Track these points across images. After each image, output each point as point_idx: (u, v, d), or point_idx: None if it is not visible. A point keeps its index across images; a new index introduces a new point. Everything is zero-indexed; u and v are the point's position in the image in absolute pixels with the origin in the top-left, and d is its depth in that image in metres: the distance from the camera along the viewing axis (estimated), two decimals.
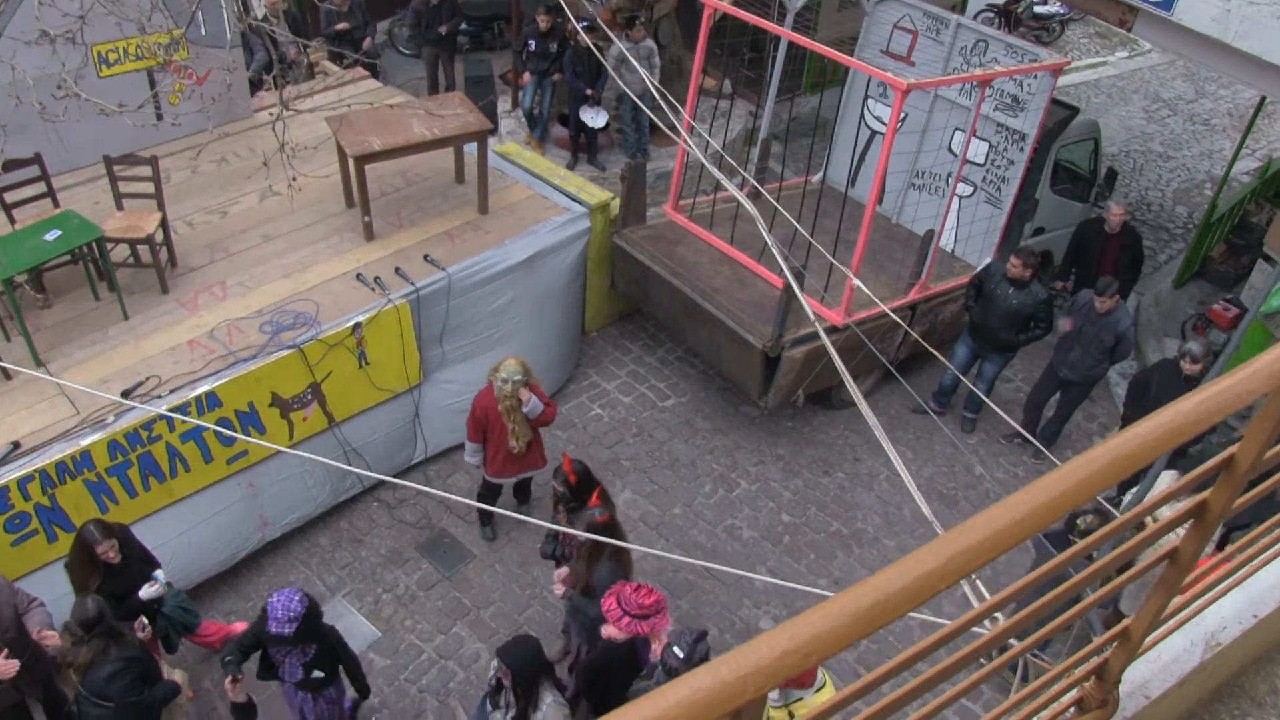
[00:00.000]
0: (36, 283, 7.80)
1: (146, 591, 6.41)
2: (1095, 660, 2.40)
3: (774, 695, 5.69)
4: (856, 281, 7.90)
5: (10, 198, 8.12)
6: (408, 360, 8.50)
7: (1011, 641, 3.10)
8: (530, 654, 5.63)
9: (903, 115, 8.80)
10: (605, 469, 9.38)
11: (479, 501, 7.99)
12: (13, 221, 8.07)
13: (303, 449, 7.97)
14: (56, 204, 8.35)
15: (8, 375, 7.24)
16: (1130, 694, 2.66)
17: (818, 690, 5.77)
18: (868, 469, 9.69)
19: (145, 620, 6.14)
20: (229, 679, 5.97)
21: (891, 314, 8.35)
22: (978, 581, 5.60)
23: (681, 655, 5.48)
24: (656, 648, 6.16)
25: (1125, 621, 2.32)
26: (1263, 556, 2.81)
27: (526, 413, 7.64)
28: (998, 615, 4.01)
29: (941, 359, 8.18)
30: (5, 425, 6.91)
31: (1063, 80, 16.07)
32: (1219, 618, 2.91)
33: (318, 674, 6.22)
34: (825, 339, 6.88)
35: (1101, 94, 17.76)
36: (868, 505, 9.33)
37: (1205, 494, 1.99)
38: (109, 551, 6.16)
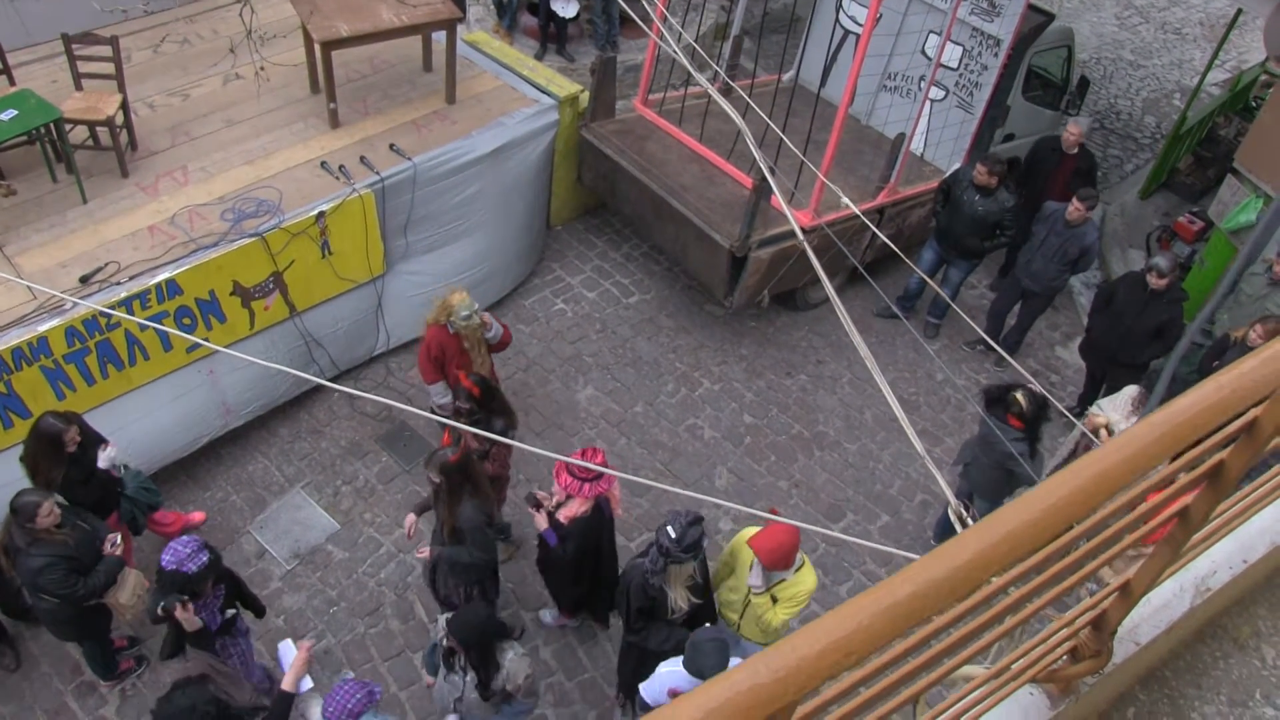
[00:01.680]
0: None
1: (104, 458, 6.41)
2: (1093, 611, 2.42)
3: (756, 581, 5.84)
4: (827, 182, 7.88)
5: None
6: (371, 251, 8.43)
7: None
8: (479, 625, 5.48)
9: (878, 16, 8.68)
10: (567, 364, 9.42)
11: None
12: None
13: (264, 338, 7.98)
14: (13, 82, 8.12)
15: None
16: (1119, 640, 2.68)
17: (797, 569, 5.92)
18: (830, 372, 9.76)
19: (117, 538, 6.09)
20: (177, 607, 5.60)
21: (861, 215, 8.35)
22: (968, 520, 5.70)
23: (674, 535, 5.59)
24: (615, 501, 6.45)
25: (1127, 575, 2.33)
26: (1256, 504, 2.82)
27: (489, 338, 7.55)
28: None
29: (909, 263, 8.20)
30: None
31: None
32: (1210, 563, 2.93)
33: (230, 613, 6.00)
34: (803, 239, 6.85)
35: (1073, 0, 17.61)
36: (829, 408, 9.42)
37: (1223, 454, 1.97)
38: (74, 439, 6.13)
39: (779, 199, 8.09)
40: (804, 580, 5.95)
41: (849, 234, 9.22)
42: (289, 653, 5.81)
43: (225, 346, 7.10)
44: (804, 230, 8.80)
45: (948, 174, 9.72)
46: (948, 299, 9.20)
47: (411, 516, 6.69)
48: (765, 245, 8.89)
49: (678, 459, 8.69)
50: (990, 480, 7.53)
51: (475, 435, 6.59)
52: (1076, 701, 2.54)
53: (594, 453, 6.15)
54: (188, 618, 5.53)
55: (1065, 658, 2.47)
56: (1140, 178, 12.73)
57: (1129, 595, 2.30)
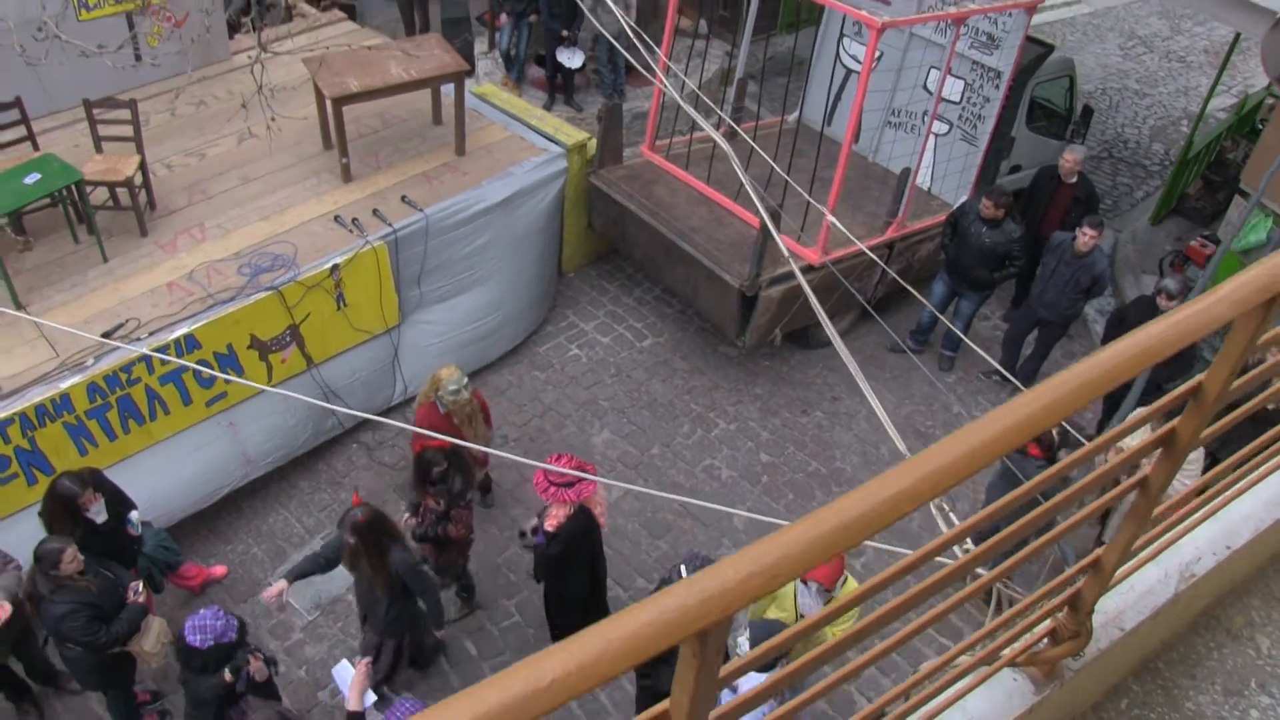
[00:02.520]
0: (17, 225, 7.82)
1: (131, 523, 6.55)
2: (1068, 591, 2.45)
3: (810, 604, 5.91)
4: (832, 219, 7.98)
5: None
6: (385, 301, 8.56)
7: (981, 571, 3.21)
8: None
9: (878, 54, 8.83)
10: (583, 409, 9.50)
11: None
12: None
13: (282, 390, 8.06)
14: (36, 147, 8.38)
15: None
16: (1104, 625, 2.71)
17: (843, 584, 6.00)
18: (846, 408, 9.80)
19: (139, 585, 6.17)
20: (249, 661, 5.71)
21: (868, 251, 8.45)
22: (950, 513, 5.75)
23: (688, 575, 5.62)
24: (600, 511, 6.51)
25: (1096, 552, 2.37)
26: (1236, 487, 2.86)
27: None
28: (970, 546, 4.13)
29: (919, 297, 8.27)
30: None
31: (1038, 19, 16.05)
32: (1193, 548, 2.95)
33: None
34: (801, 278, 6.96)
35: (1077, 32, 17.76)
36: (846, 444, 9.46)
37: (1174, 422, 2.04)
38: (90, 501, 6.21)
39: (786, 237, 8.22)
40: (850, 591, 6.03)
41: (859, 270, 9.31)
42: (346, 673, 5.90)
43: (257, 391, 7.24)
44: (812, 267, 8.95)
45: (954, 207, 9.81)
46: (959, 332, 9.25)
47: (281, 584, 6.38)
48: (775, 284, 8.98)
49: (695, 500, 8.72)
50: (1014, 515, 7.50)
51: (435, 494, 6.68)
52: (1064, 688, 2.57)
53: (568, 459, 6.27)
54: (259, 667, 5.69)
55: (1045, 640, 2.52)
56: (1150, 204, 12.80)
57: (1101, 571, 2.34)
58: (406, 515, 7.01)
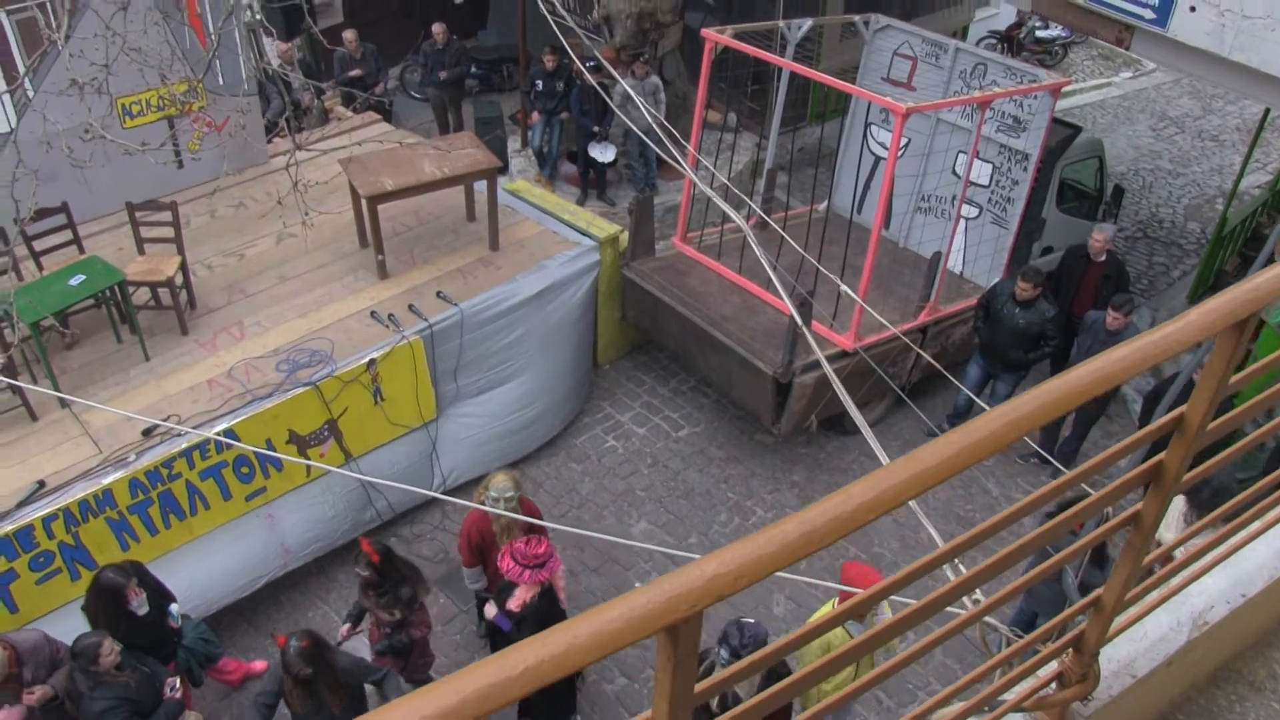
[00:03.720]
0: (63, 324, 8.00)
1: (171, 617, 6.57)
2: (1072, 632, 2.44)
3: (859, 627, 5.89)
4: (863, 305, 7.99)
5: (39, 245, 8.41)
6: (422, 396, 8.63)
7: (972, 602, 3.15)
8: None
9: (905, 140, 8.91)
10: (620, 500, 9.47)
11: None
12: (40, 268, 8.36)
13: (321, 484, 8.13)
14: (81, 250, 8.62)
15: (34, 416, 7.49)
16: (1116, 673, 2.69)
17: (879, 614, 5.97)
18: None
19: (176, 682, 6.22)
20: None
21: (901, 335, 8.45)
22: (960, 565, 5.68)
23: (740, 639, 5.65)
24: (514, 601, 6.43)
25: (1096, 592, 2.37)
26: (1246, 531, 2.81)
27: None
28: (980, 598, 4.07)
29: (954, 380, 8.24)
30: (31, 465, 7.12)
31: (1067, 102, 16.17)
32: (1205, 597, 2.92)
33: None
34: (825, 364, 6.92)
35: (1107, 114, 17.86)
36: (884, 529, 9.36)
37: (1160, 456, 2.05)
38: (134, 593, 6.22)
39: (819, 324, 8.24)
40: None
41: (893, 355, 9.30)
42: None
43: (285, 491, 7.27)
44: (846, 354, 8.96)
45: (987, 289, 9.81)
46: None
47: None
48: (809, 370, 8.97)
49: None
50: (1057, 594, 7.37)
51: (384, 606, 6.58)
52: None
53: (538, 541, 6.29)
54: None
55: (1054, 685, 2.49)
56: (1187, 283, 12.74)
57: (1102, 611, 2.33)
58: (346, 625, 6.96)
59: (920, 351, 8.83)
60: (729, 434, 10.32)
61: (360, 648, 6.90)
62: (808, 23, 10.19)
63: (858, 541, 9.15)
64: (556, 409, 9.87)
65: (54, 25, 8.41)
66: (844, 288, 8.06)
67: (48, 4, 8.53)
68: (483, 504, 6.95)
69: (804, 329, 7.57)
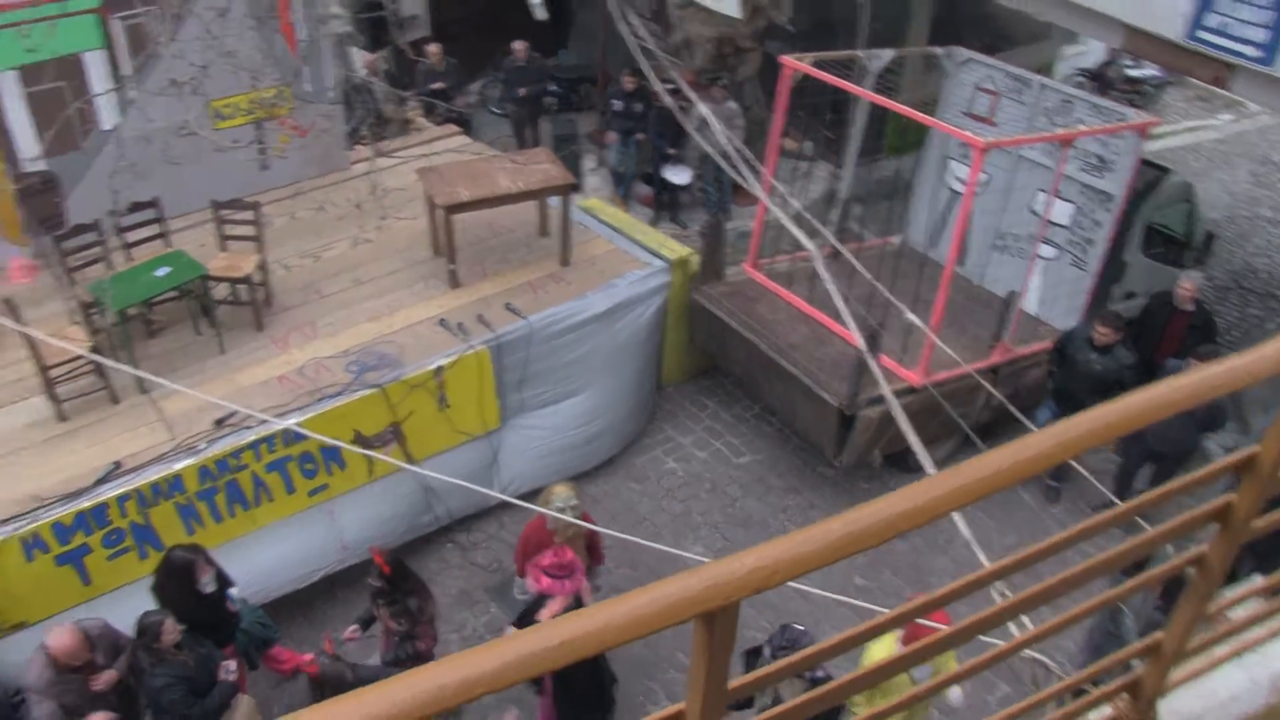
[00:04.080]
0: (145, 317, 8.36)
1: (231, 600, 6.74)
2: (1128, 675, 2.37)
3: (925, 672, 5.85)
4: (935, 340, 7.93)
5: (130, 237, 8.67)
6: (486, 405, 8.73)
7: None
8: None
9: (984, 175, 8.84)
10: (677, 522, 9.47)
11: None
12: (130, 258, 8.61)
13: (382, 485, 8.27)
14: (168, 244, 8.84)
15: (115, 399, 7.79)
16: None
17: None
18: (944, 534, 9.55)
19: (231, 665, 6.36)
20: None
21: (974, 373, 8.34)
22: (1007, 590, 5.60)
23: (789, 637, 5.80)
24: (546, 612, 6.43)
25: (1156, 635, 2.29)
26: None
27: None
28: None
29: (1026, 422, 8.08)
30: (110, 446, 7.42)
31: (1159, 144, 15.76)
32: None
33: None
34: (891, 399, 6.88)
35: (1202, 158, 17.33)
36: (942, 570, 9.25)
37: (1229, 496, 1.98)
38: (204, 570, 6.42)
39: (887, 358, 8.18)
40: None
41: (962, 394, 9.19)
42: None
43: (347, 489, 7.39)
44: (913, 389, 8.88)
45: (1063, 333, 9.67)
46: (1072, 463, 8.97)
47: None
48: (875, 404, 8.89)
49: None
50: (1119, 645, 7.23)
51: (393, 615, 6.67)
52: None
53: (564, 551, 6.36)
54: None
55: None
56: None
57: (1160, 658, 2.27)
58: (354, 627, 7.03)
59: (993, 390, 8.71)
60: (790, 464, 10.28)
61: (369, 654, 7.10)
62: (889, 53, 10.19)
63: (914, 581, 9.05)
64: (618, 427, 9.92)
65: (161, 30, 8.76)
66: (915, 320, 8.02)
67: (156, 9, 8.82)
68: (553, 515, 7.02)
69: (872, 361, 7.54)
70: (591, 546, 7.48)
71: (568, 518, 6.85)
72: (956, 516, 6.18)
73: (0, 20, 8.46)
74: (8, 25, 8.42)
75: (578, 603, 6.49)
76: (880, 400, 8.83)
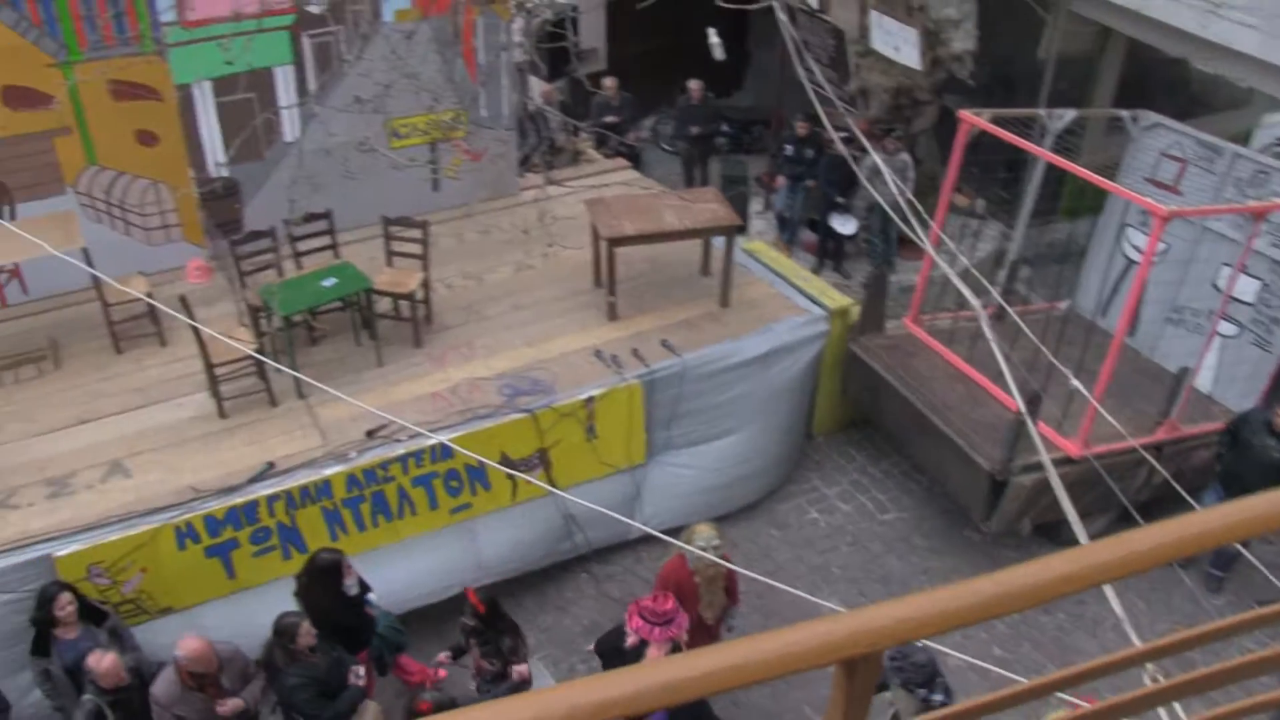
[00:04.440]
0: (309, 324, 8.67)
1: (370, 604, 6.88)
2: None
3: None
4: (1099, 408, 7.63)
5: (302, 246, 9.00)
6: (634, 439, 8.72)
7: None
8: None
9: (1163, 245, 8.52)
10: (815, 574, 9.29)
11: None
12: (300, 266, 8.92)
13: (524, 509, 8.33)
14: (337, 255, 9.14)
15: (274, 402, 8.05)
16: None
17: None
18: (1092, 613, 9.19)
19: (360, 670, 6.48)
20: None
21: (1139, 448, 7.99)
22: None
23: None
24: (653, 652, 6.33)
25: None
26: None
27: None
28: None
29: (1192, 503, 7.71)
30: (265, 446, 7.67)
31: None
32: None
33: None
34: (1050, 469, 6.62)
35: None
36: (1088, 652, 8.84)
37: None
38: (349, 571, 6.60)
39: (1045, 425, 7.89)
40: None
41: (1121, 469, 8.82)
42: None
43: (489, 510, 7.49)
44: (1071, 460, 8.56)
45: (1237, 415, 9.22)
46: (1239, 549, 8.51)
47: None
48: (1029, 471, 8.61)
49: None
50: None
51: (485, 655, 6.65)
52: None
53: (665, 598, 6.28)
54: None
55: None
56: None
57: None
58: (445, 654, 7.05)
59: (1158, 466, 8.35)
60: (935, 525, 10.01)
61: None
62: (1070, 114, 9.90)
63: (1056, 658, 8.68)
64: (764, 473, 9.80)
65: (347, 49, 9.10)
66: (1079, 387, 7.73)
67: (344, 29, 9.16)
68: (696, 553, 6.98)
69: (1031, 427, 7.29)
70: (729, 588, 7.39)
71: (711, 556, 6.80)
72: (1110, 592, 5.92)
73: (204, 34, 8.89)
74: (210, 38, 8.83)
75: (676, 650, 6.41)
76: (1034, 468, 8.53)
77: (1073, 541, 9.13)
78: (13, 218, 8.75)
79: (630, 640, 6.45)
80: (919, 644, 5.73)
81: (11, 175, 8.88)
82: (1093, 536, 6.83)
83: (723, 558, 7.02)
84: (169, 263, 9.66)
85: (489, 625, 6.71)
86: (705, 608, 7.27)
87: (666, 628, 6.27)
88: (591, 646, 6.95)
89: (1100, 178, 8.63)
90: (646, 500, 9.05)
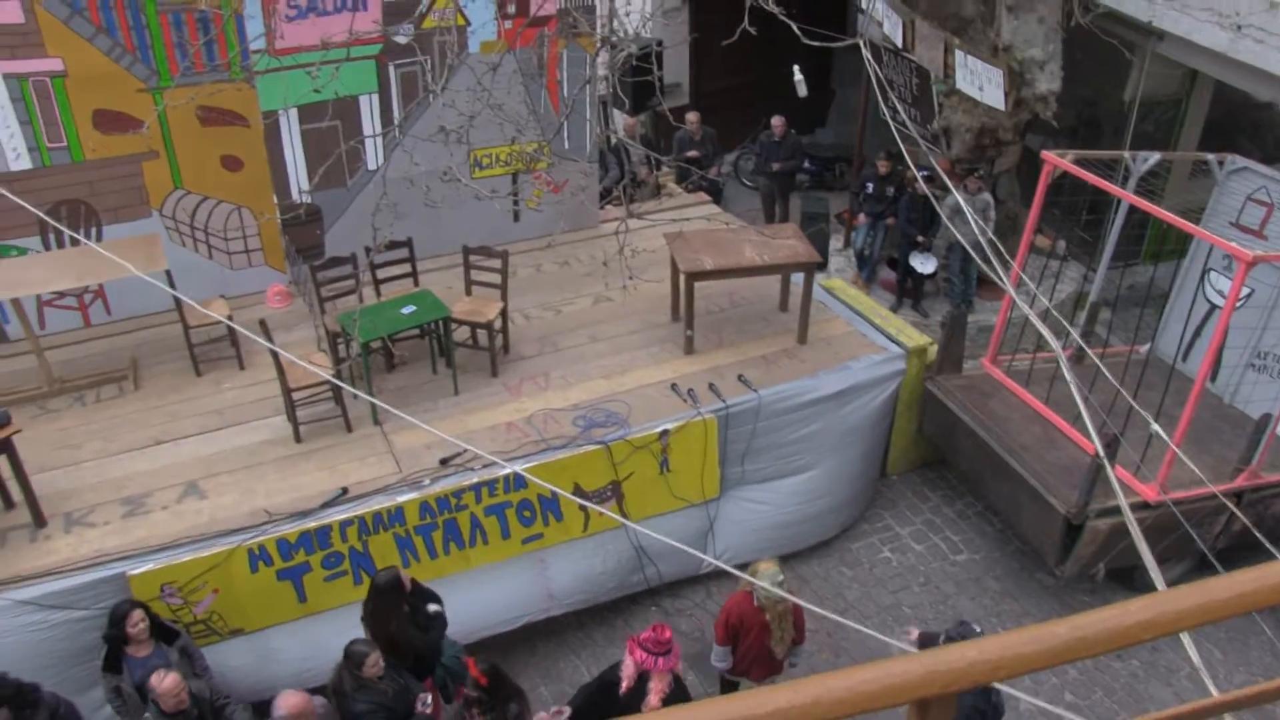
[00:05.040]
0: (387, 350, 8.74)
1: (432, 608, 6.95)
2: None
3: None
4: (1180, 454, 7.48)
5: (382, 273, 9.13)
6: (707, 473, 8.69)
7: None
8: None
9: (1247, 290, 8.34)
10: (885, 613, 9.18)
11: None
12: (379, 294, 9.05)
13: (595, 541, 8.35)
14: (417, 283, 9.25)
15: (349, 428, 8.15)
16: None
17: None
18: (1167, 661, 8.99)
19: (428, 698, 6.53)
20: None
21: (1220, 494, 7.84)
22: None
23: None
24: (655, 694, 6.30)
25: None
26: None
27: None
28: None
29: (1274, 552, 7.53)
30: (339, 471, 7.75)
31: None
32: None
33: None
34: (1128, 513, 6.49)
35: None
36: (1162, 700, 8.65)
37: None
38: (408, 581, 6.68)
39: (1122, 469, 7.72)
40: None
41: (1199, 516, 8.63)
42: None
43: (561, 541, 7.50)
44: (1148, 505, 8.38)
45: None
46: None
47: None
48: (1105, 515, 8.46)
49: None
50: None
51: (487, 711, 6.49)
52: None
53: (664, 629, 6.29)
54: None
55: None
56: None
57: None
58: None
59: (1238, 513, 8.17)
60: (1008, 567, 9.85)
61: None
62: (1155, 156, 9.75)
63: (1129, 706, 8.49)
64: (838, 510, 9.72)
65: (433, 79, 9.23)
66: (1159, 431, 7.58)
67: (430, 59, 9.30)
68: (747, 591, 7.00)
69: (1109, 470, 7.15)
70: (796, 624, 7.33)
71: (780, 592, 6.75)
72: (1187, 640, 5.79)
73: (291, 61, 9.06)
74: (298, 66, 8.99)
75: (676, 680, 6.43)
76: (1110, 512, 8.40)
77: (1149, 587, 8.97)
78: (99, 239, 8.98)
79: (628, 673, 6.45)
80: (978, 629, 5.71)
81: (99, 197, 9.11)
82: (1170, 583, 6.68)
83: (789, 593, 6.97)
84: (250, 287, 9.89)
85: (493, 694, 6.62)
86: (776, 643, 7.23)
87: (668, 658, 6.28)
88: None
89: (1184, 221, 8.49)
90: (719, 535, 9.00)
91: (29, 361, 8.70)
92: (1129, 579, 9.44)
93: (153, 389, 8.80)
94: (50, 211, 8.58)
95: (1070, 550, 8.62)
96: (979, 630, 6.01)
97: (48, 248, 9.06)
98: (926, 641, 7.06)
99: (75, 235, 8.72)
